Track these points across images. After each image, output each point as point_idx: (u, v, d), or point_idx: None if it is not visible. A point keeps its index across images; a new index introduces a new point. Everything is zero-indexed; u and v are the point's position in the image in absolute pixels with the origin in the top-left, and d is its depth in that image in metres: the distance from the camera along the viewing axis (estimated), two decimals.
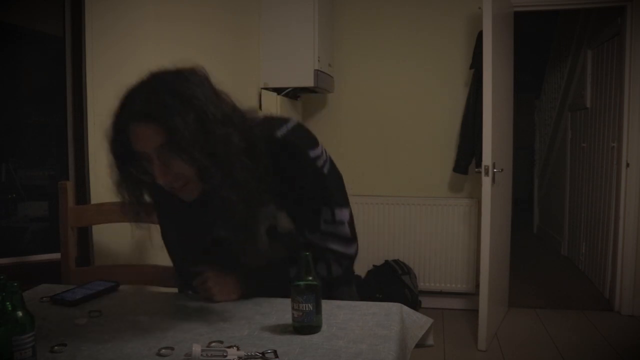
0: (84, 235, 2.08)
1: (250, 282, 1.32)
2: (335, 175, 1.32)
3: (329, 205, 1.28)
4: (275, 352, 0.99)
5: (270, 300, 1.30)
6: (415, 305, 3.42)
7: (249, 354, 0.99)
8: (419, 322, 1.29)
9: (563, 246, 5.08)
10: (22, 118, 2.40)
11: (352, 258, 1.36)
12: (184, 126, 1.05)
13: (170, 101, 1.06)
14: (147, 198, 1.21)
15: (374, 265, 3.60)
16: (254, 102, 3.01)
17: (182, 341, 1.06)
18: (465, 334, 3.23)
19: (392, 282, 3.47)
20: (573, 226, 4.80)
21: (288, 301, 1.12)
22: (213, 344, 1.04)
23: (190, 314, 1.23)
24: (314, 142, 1.27)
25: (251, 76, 3.05)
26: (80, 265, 1.91)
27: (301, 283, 1.09)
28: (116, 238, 2.14)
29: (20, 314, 0.93)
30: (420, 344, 1.29)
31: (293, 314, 1.10)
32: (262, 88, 3.07)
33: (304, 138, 1.26)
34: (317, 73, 3.07)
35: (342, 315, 1.19)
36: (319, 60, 3.07)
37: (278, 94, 3.11)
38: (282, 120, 1.26)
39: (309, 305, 1.08)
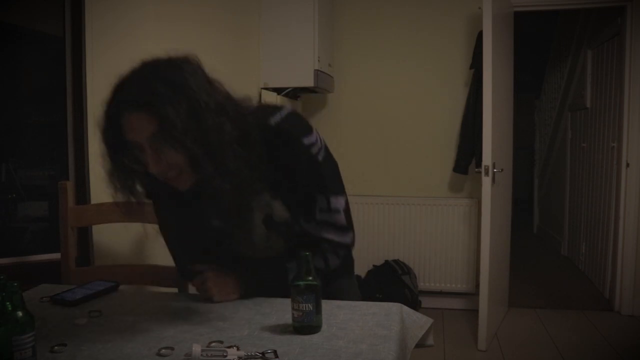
0: (84, 235, 2.08)
1: (250, 281, 1.32)
2: (330, 163, 1.30)
3: (324, 193, 1.27)
4: (275, 352, 0.99)
5: (270, 300, 1.30)
6: (415, 305, 3.43)
7: (249, 354, 0.99)
8: (419, 322, 1.29)
9: (563, 246, 5.08)
10: (22, 118, 2.40)
11: (348, 247, 1.34)
12: (176, 115, 1.04)
13: (162, 90, 1.05)
14: (138, 188, 1.19)
15: (374, 265, 3.60)
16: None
17: (182, 341, 1.06)
18: (465, 334, 3.23)
19: (392, 282, 3.47)
20: (573, 226, 4.80)
21: (288, 301, 1.12)
22: (213, 344, 1.03)
23: (190, 314, 1.23)
24: (308, 129, 1.25)
25: (251, 76, 3.05)
26: (80, 265, 1.91)
27: (301, 283, 1.09)
28: (116, 238, 2.14)
29: (20, 314, 0.93)
30: (420, 344, 1.29)
31: (293, 314, 1.10)
32: (262, 88, 3.07)
33: (298, 125, 1.25)
34: (317, 73, 3.07)
35: (342, 315, 1.19)
36: (319, 60, 3.08)
37: (278, 94, 3.11)
38: (276, 108, 1.25)
39: (309, 305, 1.08)
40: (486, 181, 2.92)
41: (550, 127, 5.61)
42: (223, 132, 1.09)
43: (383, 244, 3.70)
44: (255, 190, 1.20)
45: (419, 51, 3.64)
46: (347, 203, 1.33)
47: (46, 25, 2.32)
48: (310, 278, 1.09)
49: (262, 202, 1.26)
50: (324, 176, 1.27)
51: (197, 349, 0.96)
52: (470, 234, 3.58)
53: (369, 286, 3.46)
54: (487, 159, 2.91)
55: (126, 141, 1.10)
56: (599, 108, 4.06)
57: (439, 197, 3.65)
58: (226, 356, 0.96)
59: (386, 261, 3.61)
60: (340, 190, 1.31)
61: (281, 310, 1.22)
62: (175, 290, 1.71)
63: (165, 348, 1.02)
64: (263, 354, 0.99)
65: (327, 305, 1.19)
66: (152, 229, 1.43)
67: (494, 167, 2.94)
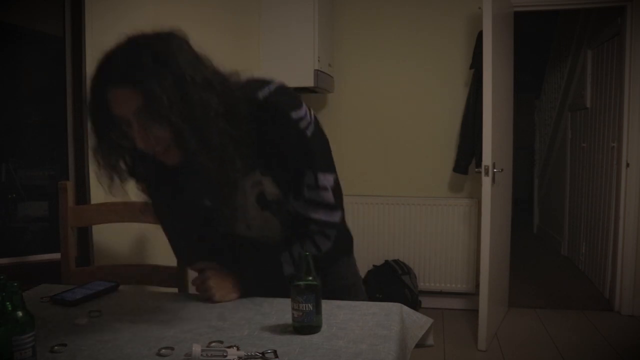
0: (84, 235, 2.08)
1: (244, 270, 1.31)
2: (320, 139, 1.27)
3: (312, 169, 1.24)
4: (275, 352, 0.99)
5: (270, 300, 1.30)
6: (415, 305, 3.43)
7: (249, 354, 0.99)
8: (419, 322, 1.29)
9: (563, 246, 5.08)
10: (22, 118, 2.40)
11: (336, 227, 1.30)
12: (161, 90, 1.03)
13: (147, 64, 1.04)
14: (122, 166, 1.17)
15: (374, 265, 3.61)
16: None
17: (182, 341, 1.06)
18: (465, 334, 3.23)
19: (392, 282, 3.47)
20: (573, 226, 4.80)
21: (288, 301, 1.12)
22: (213, 344, 1.03)
23: (190, 314, 1.23)
24: (297, 103, 1.23)
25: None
26: (80, 265, 1.91)
27: (301, 283, 1.09)
28: (116, 238, 2.14)
29: (20, 314, 0.93)
30: (420, 344, 1.29)
31: (293, 314, 1.10)
32: None
33: (287, 99, 1.22)
34: (317, 73, 3.07)
35: (342, 315, 1.19)
36: (319, 60, 3.08)
37: None
38: (265, 82, 1.23)
39: (309, 305, 1.08)
40: (486, 181, 2.92)
41: (550, 127, 5.61)
42: (209, 107, 1.08)
43: (383, 244, 3.70)
44: (244, 168, 1.17)
45: (419, 51, 3.64)
46: (336, 182, 1.29)
47: (46, 25, 2.32)
48: (310, 278, 1.09)
49: (254, 179, 1.24)
50: (312, 152, 1.24)
51: (197, 349, 0.96)
52: (470, 234, 3.58)
53: (369, 286, 3.46)
54: (487, 159, 2.91)
55: (113, 116, 1.09)
56: (599, 108, 4.06)
57: (439, 197, 3.65)
58: (226, 356, 0.96)
59: (386, 261, 3.61)
60: (329, 167, 1.28)
61: (281, 310, 1.22)
62: (175, 290, 1.72)
63: (165, 348, 1.02)
64: (263, 354, 0.99)
65: (327, 305, 1.19)
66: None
67: (494, 167, 2.94)
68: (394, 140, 3.72)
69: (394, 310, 1.23)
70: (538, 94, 6.16)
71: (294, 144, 1.21)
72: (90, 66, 1.14)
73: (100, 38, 2.08)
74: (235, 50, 2.90)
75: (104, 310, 1.27)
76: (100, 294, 1.38)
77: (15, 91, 2.37)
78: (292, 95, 1.24)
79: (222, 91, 1.12)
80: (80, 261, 2.00)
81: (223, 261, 1.33)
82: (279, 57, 3.07)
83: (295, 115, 1.20)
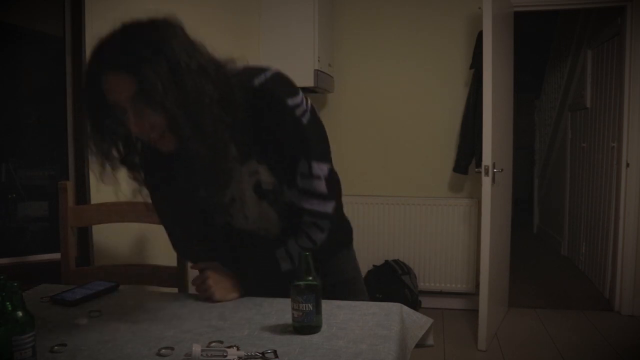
0: (84, 235, 2.08)
1: (243, 269, 1.31)
2: (316, 127, 1.25)
3: (306, 157, 1.22)
4: (275, 352, 0.99)
5: (270, 300, 1.30)
6: (415, 305, 3.43)
7: (249, 354, 0.99)
8: (419, 322, 1.29)
9: (563, 246, 5.08)
10: (22, 118, 2.40)
11: (329, 217, 1.27)
12: (155, 76, 1.03)
13: (142, 50, 1.04)
14: (114, 153, 1.17)
15: (374, 265, 3.61)
16: None
17: (182, 341, 1.06)
18: (465, 334, 3.23)
19: (392, 282, 3.47)
20: (573, 226, 4.80)
21: (288, 301, 1.12)
22: (213, 344, 1.03)
23: (190, 314, 1.23)
24: (293, 90, 1.22)
25: None
26: (80, 265, 1.91)
27: (301, 283, 1.09)
28: (116, 238, 2.14)
29: (20, 314, 0.93)
30: (420, 344, 1.29)
31: (293, 314, 1.10)
32: None
33: (283, 86, 1.21)
34: (317, 73, 3.07)
35: (342, 315, 1.19)
36: (319, 60, 3.08)
37: None
38: (261, 69, 1.22)
39: (309, 305, 1.08)
40: (486, 181, 2.92)
41: (550, 127, 5.61)
42: (203, 93, 1.08)
43: (383, 244, 3.69)
44: (235, 155, 1.17)
45: (419, 51, 3.64)
46: (331, 172, 1.27)
47: (46, 25, 2.32)
48: (310, 278, 1.09)
49: (251, 168, 1.24)
50: (308, 139, 1.23)
51: (197, 349, 0.96)
52: (470, 234, 3.58)
53: (369, 286, 3.46)
54: (487, 159, 2.91)
55: (107, 102, 1.09)
56: (599, 108, 4.06)
57: (439, 197, 3.65)
58: (226, 356, 0.96)
59: (386, 261, 3.61)
60: (324, 156, 1.26)
61: (281, 310, 1.22)
62: (175, 290, 1.72)
63: (165, 348, 1.02)
64: (263, 354, 0.99)
65: (327, 305, 1.19)
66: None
67: (494, 167, 2.94)
68: (394, 140, 3.72)
69: (394, 310, 1.23)
70: (538, 94, 6.17)
71: (290, 131, 1.20)
72: None
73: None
74: (235, 50, 2.88)
75: (104, 310, 1.27)
76: (100, 294, 1.38)
77: (15, 91, 2.37)
78: (288, 83, 1.23)
79: (217, 78, 1.11)
80: (80, 261, 2.00)
81: (223, 261, 1.34)
82: (279, 57, 3.07)
83: (291, 102, 1.19)
